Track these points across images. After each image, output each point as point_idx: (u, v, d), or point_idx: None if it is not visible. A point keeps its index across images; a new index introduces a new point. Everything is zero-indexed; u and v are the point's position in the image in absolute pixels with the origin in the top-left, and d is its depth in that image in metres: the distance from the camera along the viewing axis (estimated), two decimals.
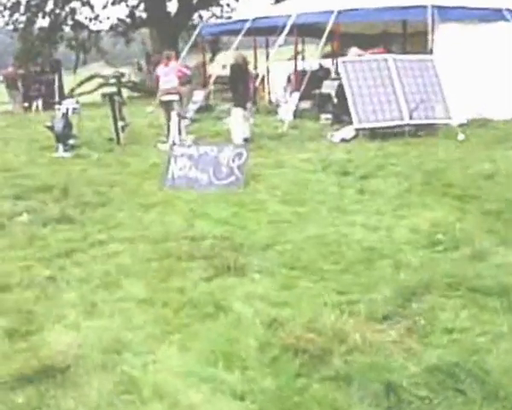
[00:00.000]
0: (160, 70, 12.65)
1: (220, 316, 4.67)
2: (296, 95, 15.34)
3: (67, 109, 12.35)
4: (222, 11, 32.22)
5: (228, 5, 32.01)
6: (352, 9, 14.08)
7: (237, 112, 12.02)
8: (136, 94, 26.11)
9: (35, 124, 16.53)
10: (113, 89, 12.98)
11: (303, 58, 19.61)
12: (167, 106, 12.20)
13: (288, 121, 13.57)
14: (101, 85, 28.69)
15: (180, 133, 12.29)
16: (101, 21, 31.57)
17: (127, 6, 31.16)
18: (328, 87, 14.09)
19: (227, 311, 4.74)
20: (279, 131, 13.27)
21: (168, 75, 12.37)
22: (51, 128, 12.23)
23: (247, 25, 16.32)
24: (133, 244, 6.38)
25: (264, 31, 17.06)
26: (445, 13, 13.33)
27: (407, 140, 11.42)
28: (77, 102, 12.67)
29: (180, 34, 30.31)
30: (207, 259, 5.75)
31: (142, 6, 30.87)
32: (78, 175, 9.95)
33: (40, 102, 21.82)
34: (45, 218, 7.40)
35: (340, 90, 13.73)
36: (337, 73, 14.58)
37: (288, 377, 3.80)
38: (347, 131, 11.89)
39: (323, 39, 14.17)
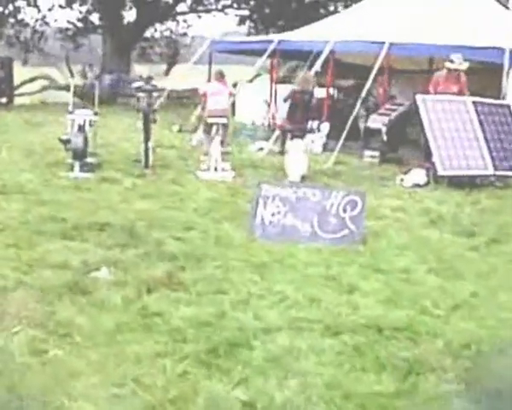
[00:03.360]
0: (210, 88, 10.69)
1: None
2: (326, 125, 13.65)
3: (84, 121, 10.17)
4: (177, 26, 30.68)
5: (185, 21, 30.52)
6: (405, 43, 12.43)
7: (297, 144, 10.22)
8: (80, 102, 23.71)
9: (19, 130, 14.24)
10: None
11: None
12: (212, 129, 10.24)
13: (334, 156, 11.84)
14: (44, 88, 26.22)
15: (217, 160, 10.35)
16: (47, 23, 29.41)
17: (80, 12, 29.15)
18: (377, 122, 12.41)
19: None
20: (324, 166, 11.51)
21: (219, 95, 10.46)
22: (66, 142, 10.02)
23: (272, 46, 14.49)
24: (310, 335, 4.48)
25: (289, 54, 15.34)
26: None
27: (495, 192, 9.87)
28: (95, 114, 10.47)
29: (134, 45, 28.84)
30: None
31: (96, 12, 29.04)
32: (126, 209, 7.89)
33: None
34: (140, 276, 5.37)
35: (393, 127, 12.17)
36: (388, 108, 12.90)
37: None
38: (419, 176, 10.25)
39: (372, 75, 12.45)
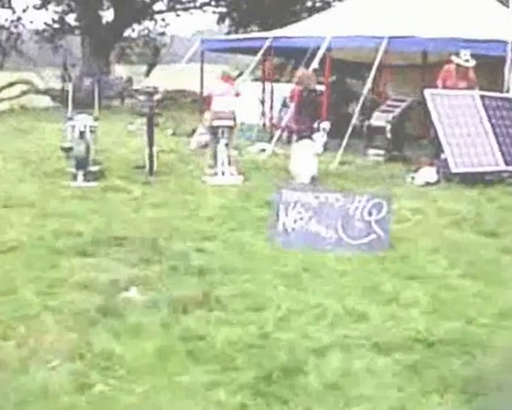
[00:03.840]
0: (216, 89, 10.34)
1: None
2: (327, 124, 13.36)
3: (85, 127, 9.81)
4: (155, 25, 30.27)
5: (163, 20, 30.06)
6: (405, 37, 12.16)
7: (305, 145, 9.94)
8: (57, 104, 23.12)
9: (9, 137, 13.87)
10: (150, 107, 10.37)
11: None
12: (217, 132, 9.95)
13: (339, 156, 11.57)
14: (24, 93, 25.72)
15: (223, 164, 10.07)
16: (23, 25, 28.86)
17: (56, 12, 28.56)
18: (381, 119, 12.15)
19: None
20: (329, 166, 11.25)
21: (225, 96, 10.11)
22: (67, 150, 9.67)
23: (266, 43, 14.10)
24: (362, 354, 4.23)
25: (284, 51, 15.05)
26: None
27: (509, 189, 9.61)
28: (95, 120, 10.12)
29: (113, 45, 28.30)
30: None
31: (72, 12, 28.51)
32: (139, 220, 7.59)
33: None
34: (172, 295, 5.08)
35: (397, 124, 11.95)
36: (390, 105, 12.65)
37: None
38: (430, 174, 10.03)
39: (373, 71, 12.17)
